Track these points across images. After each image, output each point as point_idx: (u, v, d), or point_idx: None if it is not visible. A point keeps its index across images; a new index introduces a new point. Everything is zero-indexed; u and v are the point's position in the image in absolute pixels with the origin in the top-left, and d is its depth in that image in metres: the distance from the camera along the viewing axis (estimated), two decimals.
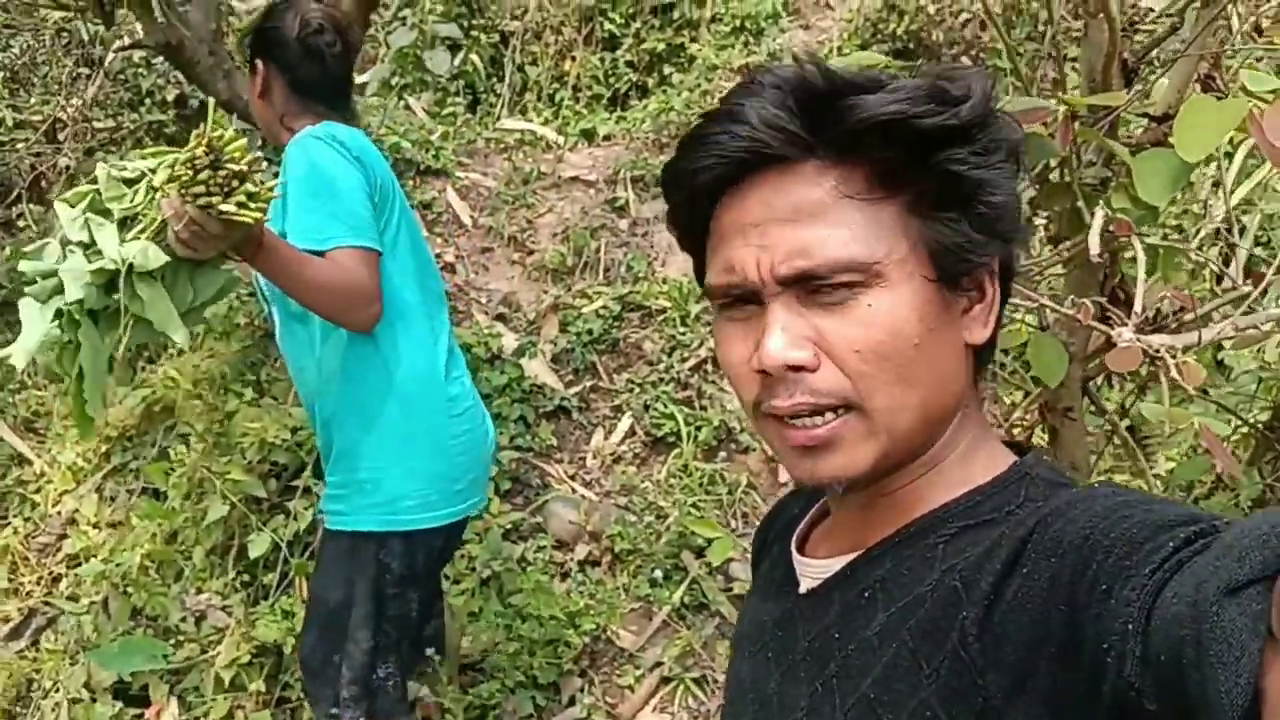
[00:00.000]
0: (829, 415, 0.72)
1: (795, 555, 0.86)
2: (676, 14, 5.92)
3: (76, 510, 2.97)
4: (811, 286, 0.71)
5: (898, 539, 0.76)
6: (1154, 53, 1.56)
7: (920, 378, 0.72)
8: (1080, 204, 1.50)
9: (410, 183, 4.14)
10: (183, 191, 1.45)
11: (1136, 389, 2.07)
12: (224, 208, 1.44)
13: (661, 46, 5.84)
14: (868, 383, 0.71)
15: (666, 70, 5.77)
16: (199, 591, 2.74)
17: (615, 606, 3.01)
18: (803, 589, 0.83)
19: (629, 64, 5.85)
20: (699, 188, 0.76)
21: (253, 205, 1.48)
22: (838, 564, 0.80)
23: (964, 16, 4.93)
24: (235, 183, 1.46)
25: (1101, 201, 1.50)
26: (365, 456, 1.97)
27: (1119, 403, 2.26)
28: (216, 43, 2.79)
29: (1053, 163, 1.56)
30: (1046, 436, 1.90)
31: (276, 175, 1.90)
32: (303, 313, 1.88)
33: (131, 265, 1.48)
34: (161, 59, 3.85)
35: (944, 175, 0.70)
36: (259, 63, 2.04)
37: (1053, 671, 0.60)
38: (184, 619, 2.67)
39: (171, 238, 1.49)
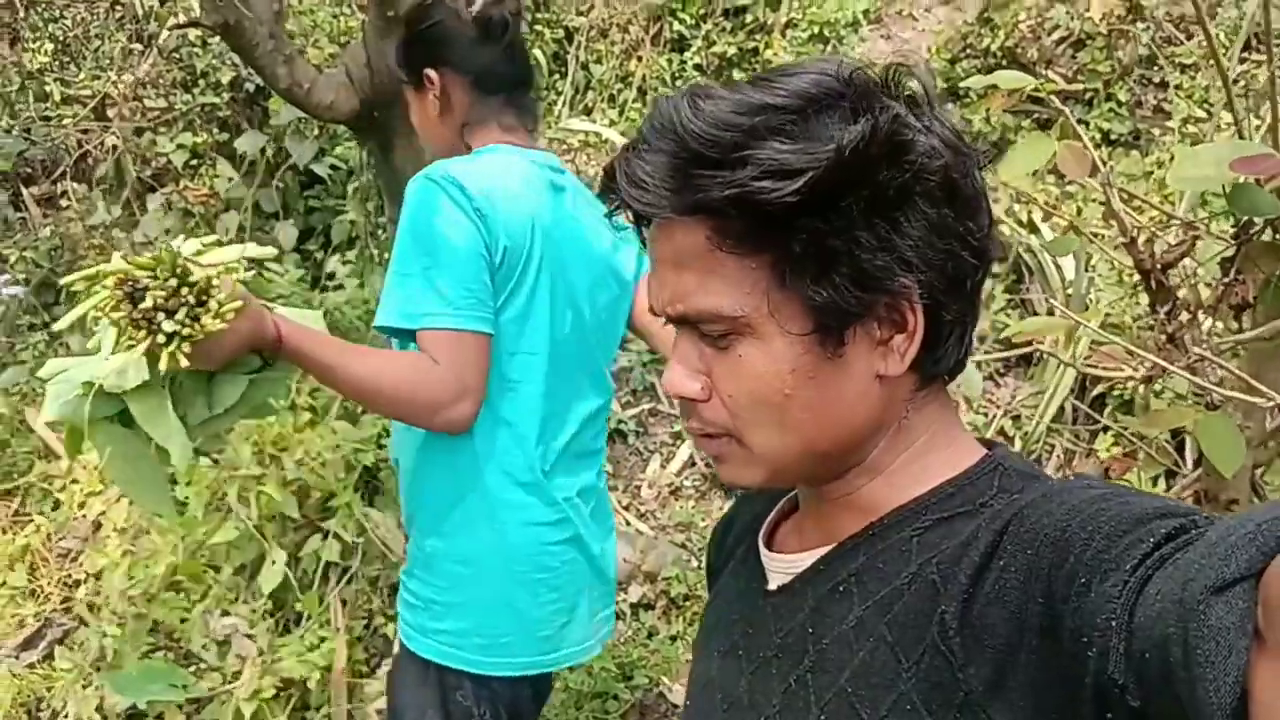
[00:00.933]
0: (718, 439, 0.76)
1: (763, 551, 0.86)
2: (750, 17, 5.69)
3: (103, 514, 2.79)
4: (698, 329, 0.74)
5: (871, 532, 0.76)
6: None
7: (797, 423, 0.73)
8: None
9: None
10: (132, 325, 1.25)
11: None
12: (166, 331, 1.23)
13: (732, 50, 5.61)
14: (741, 422, 0.74)
15: (736, 75, 5.53)
16: (224, 614, 2.54)
17: (670, 659, 2.78)
18: (772, 585, 0.83)
19: (697, 67, 5.63)
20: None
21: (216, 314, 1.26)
22: (808, 559, 0.80)
23: (1058, 34, 4.66)
24: (190, 299, 1.25)
25: None
26: (437, 573, 1.61)
27: None
28: (278, 25, 2.60)
29: (1258, 221, 1.32)
30: None
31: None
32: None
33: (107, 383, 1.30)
34: (218, 39, 3.68)
35: (807, 240, 0.69)
36: (431, 73, 1.64)
37: (1033, 664, 0.61)
38: (205, 645, 2.47)
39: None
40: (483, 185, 1.51)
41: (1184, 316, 1.40)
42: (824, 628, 0.75)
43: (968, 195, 0.72)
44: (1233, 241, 1.36)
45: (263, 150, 3.73)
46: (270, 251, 1.53)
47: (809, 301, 0.70)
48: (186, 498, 2.71)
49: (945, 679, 0.65)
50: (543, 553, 1.62)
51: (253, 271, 1.48)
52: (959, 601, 0.65)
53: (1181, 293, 1.57)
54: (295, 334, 1.39)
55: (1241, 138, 1.47)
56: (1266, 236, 1.32)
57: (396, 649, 1.71)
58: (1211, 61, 4.13)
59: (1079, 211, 3.62)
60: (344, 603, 2.64)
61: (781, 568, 0.83)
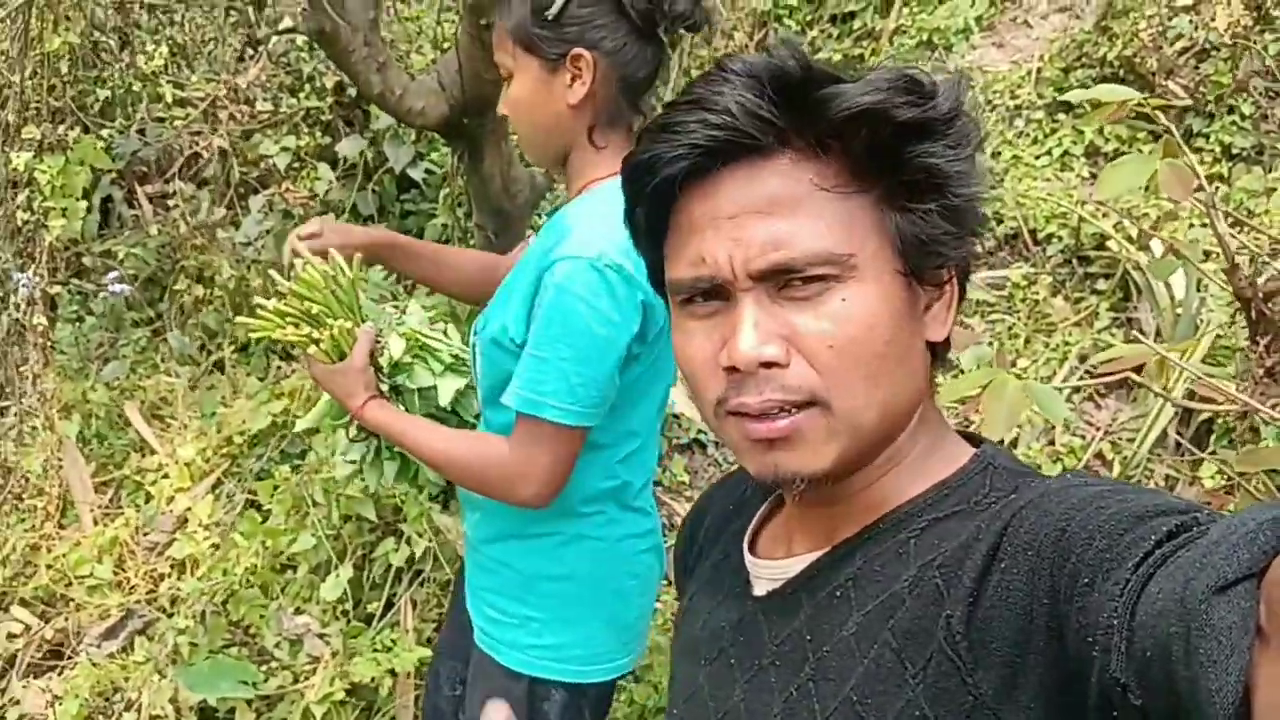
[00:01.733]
0: (794, 411, 0.71)
1: (748, 556, 0.84)
2: (858, 24, 5.58)
3: (189, 510, 2.86)
4: (783, 281, 0.71)
5: (866, 536, 0.75)
6: None
7: (887, 375, 0.72)
8: None
9: None
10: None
11: None
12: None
13: (838, 57, 5.50)
14: (834, 380, 0.71)
15: None
16: (298, 612, 2.58)
17: None
18: (760, 591, 0.81)
19: None
20: (667, 179, 0.73)
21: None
22: (799, 564, 0.78)
23: (1181, 44, 4.43)
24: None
25: None
26: (536, 593, 1.61)
27: None
28: (374, 33, 2.62)
29: None
30: None
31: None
32: (493, 398, 1.54)
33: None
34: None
35: (920, 167, 0.70)
36: (585, 54, 1.46)
37: (1040, 666, 0.60)
38: (279, 644, 2.50)
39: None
40: (635, 269, 1.41)
41: None
42: (823, 634, 0.73)
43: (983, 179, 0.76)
44: None
45: (362, 154, 3.79)
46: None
47: (917, 234, 0.71)
48: (270, 501, 2.77)
49: (953, 684, 0.64)
50: (635, 561, 1.65)
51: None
52: (964, 605, 0.64)
53: None
54: (375, 412, 1.56)
55: None
56: None
57: (476, 659, 1.70)
58: None
59: (1190, 228, 3.43)
60: (414, 604, 2.65)
61: (769, 573, 0.81)
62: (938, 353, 0.77)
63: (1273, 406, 1.38)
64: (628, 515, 1.63)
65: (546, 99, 1.50)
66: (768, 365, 0.71)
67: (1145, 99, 1.55)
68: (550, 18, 1.46)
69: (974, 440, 0.80)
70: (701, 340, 0.74)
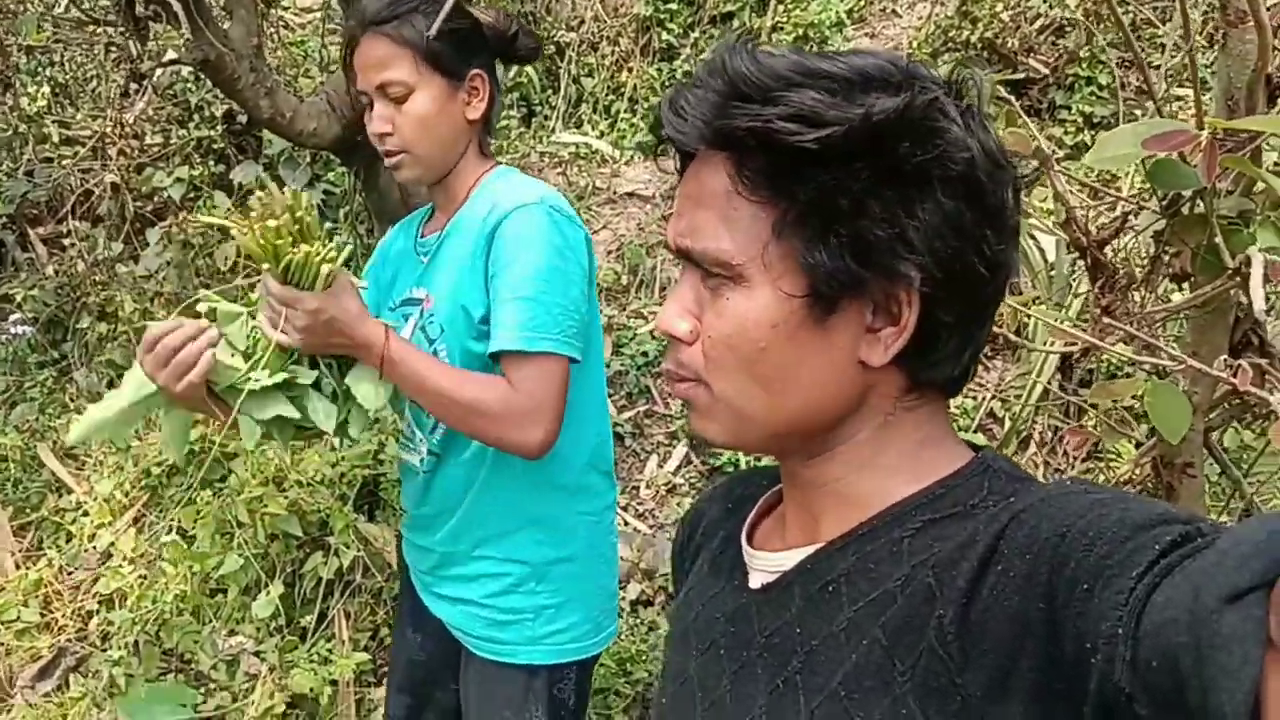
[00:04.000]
0: (688, 383, 0.77)
1: (745, 548, 0.85)
2: (736, 23, 5.75)
3: (113, 545, 2.86)
4: (701, 268, 0.75)
5: (861, 532, 0.75)
6: None
7: (765, 378, 0.74)
8: (1219, 240, 1.30)
9: None
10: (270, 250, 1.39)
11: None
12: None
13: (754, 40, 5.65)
14: (712, 367, 0.75)
15: None
16: (231, 634, 2.61)
17: None
18: (755, 583, 0.82)
19: (687, 74, 5.68)
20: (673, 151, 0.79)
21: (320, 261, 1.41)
22: (795, 556, 0.79)
23: (1039, 23, 4.69)
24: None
25: (1248, 238, 1.29)
26: (549, 579, 1.66)
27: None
28: (259, 59, 2.67)
29: (1185, 193, 1.36)
30: (1162, 494, 1.69)
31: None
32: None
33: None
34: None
35: (813, 193, 0.70)
36: (482, 74, 1.61)
37: (1034, 670, 0.60)
38: (215, 666, 2.53)
39: (284, 330, 1.41)
40: (575, 214, 1.58)
41: (1119, 289, 1.44)
42: (813, 628, 0.74)
43: (993, 204, 0.72)
44: (1162, 215, 1.40)
45: (257, 179, 3.81)
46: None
47: (806, 262, 0.71)
48: (194, 528, 2.79)
49: (942, 683, 0.64)
50: (612, 530, 1.75)
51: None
52: (957, 605, 0.65)
53: (1124, 269, 1.61)
54: (399, 344, 1.47)
55: (1161, 115, 1.51)
56: (1188, 209, 1.36)
57: (480, 673, 1.71)
58: (1127, 47, 4.15)
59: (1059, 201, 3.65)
60: (348, 616, 2.70)
61: (765, 565, 0.82)
62: (915, 371, 0.76)
63: (1112, 343, 1.53)
64: (605, 483, 1.72)
65: (449, 115, 1.58)
66: (676, 338, 0.76)
67: (989, 74, 1.68)
68: (455, 29, 1.55)
69: (976, 448, 0.80)
70: None
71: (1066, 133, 4.35)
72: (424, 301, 1.64)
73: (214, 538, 2.69)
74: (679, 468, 3.54)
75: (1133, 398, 1.76)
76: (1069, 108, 4.39)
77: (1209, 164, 1.18)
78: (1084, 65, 4.46)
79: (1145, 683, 0.53)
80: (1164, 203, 1.39)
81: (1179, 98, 4.17)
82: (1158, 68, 4.40)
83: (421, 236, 1.73)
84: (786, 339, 0.73)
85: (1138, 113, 4.31)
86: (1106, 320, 1.25)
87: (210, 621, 2.63)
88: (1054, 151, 1.48)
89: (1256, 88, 1.28)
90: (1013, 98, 1.55)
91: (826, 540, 0.77)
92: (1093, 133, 4.31)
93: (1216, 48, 1.36)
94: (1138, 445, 2.89)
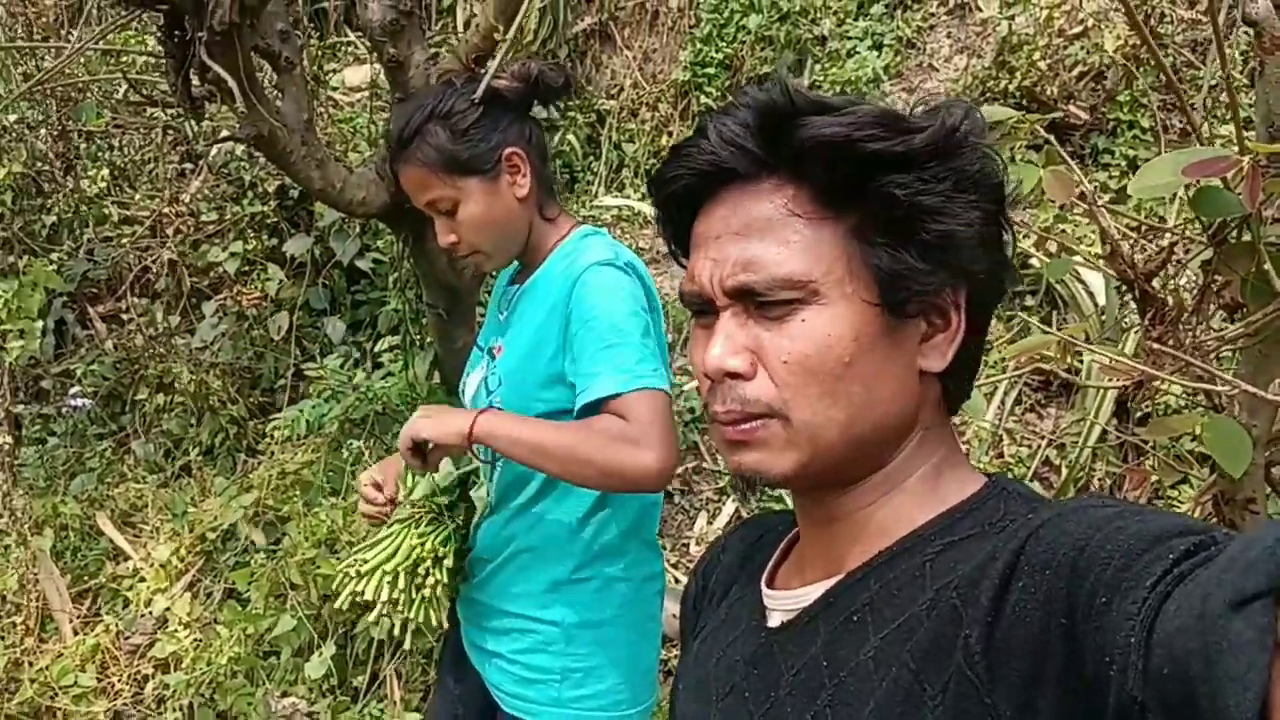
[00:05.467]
0: (757, 422, 0.74)
1: (765, 590, 0.85)
2: None
3: (168, 610, 2.89)
4: (757, 300, 0.74)
5: (880, 560, 0.75)
6: None
7: (849, 395, 0.73)
8: (1268, 267, 1.28)
9: None
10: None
11: None
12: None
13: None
14: (792, 394, 0.74)
15: None
16: (284, 695, 2.61)
17: None
18: (774, 623, 0.81)
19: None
20: (671, 196, 0.80)
21: None
22: (815, 591, 0.78)
23: (1078, 70, 4.69)
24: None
25: None
26: (578, 643, 1.64)
27: None
28: (309, 133, 2.75)
29: (1231, 221, 1.34)
30: None
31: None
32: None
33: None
34: (258, 151, 3.88)
35: (886, 199, 0.71)
36: (518, 152, 1.61)
37: (1059, 686, 0.60)
38: None
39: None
40: (647, 279, 1.60)
41: (1169, 321, 1.42)
42: (840, 660, 0.73)
43: (1004, 223, 0.77)
44: (1209, 244, 1.39)
45: (310, 251, 3.90)
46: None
47: (879, 269, 0.72)
48: (248, 590, 2.81)
49: (972, 705, 0.64)
50: (653, 603, 1.72)
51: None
52: (982, 625, 0.64)
53: (1172, 300, 1.58)
54: (490, 419, 1.49)
55: (1201, 143, 1.50)
56: (1234, 236, 1.34)
57: None
58: (1164, 79, 4.13)
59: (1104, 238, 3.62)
60: (399, 676, 2.69)
61: (784, 605, 0.81)
62: (951, 383, 0.78)
63: (1170, 373, 1.50)
64: (648, 553, 1.70)
65: (501, 206, 1.60)
66: (733, 375, 0.74)
67: (1024, 116, 1.68)
68: (469, 125, 1.58)
69: (987, 473, 0.81)
70: (699, 349, 0.79)
71: (1111, 177, 4.32)
72: (495, 352, 1.68)
73: (267, 600, 2.70)
74: (729, 523, 3.51)
75: (1192, 438, 1.72)
76: (1112, 152, 4.37)
77: (1253, 189, 1.17)
78: (1125, 109, 4.44)
79: (1158, 691, 0.52)
80: (1209, 232, 1.38)
81: (1220, 135, 4.14)
82: (1195, 108, 4.39)
83: (510, 284, 1.77)
84: (869, 349, 0.73)
85: (1229, 151, 4.27)
86: (1161, 348, 1.23)
87: (264, 683, 2.64)
88: (1098, 195, 1.46)
89: None
90: (1053, 138, 1.55)
91: (847, 572, 0.77)
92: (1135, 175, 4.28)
93: (1256, 78, 1.35)
94: (1181, 483, 2.83)
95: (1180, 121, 4.41)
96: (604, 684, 1.65)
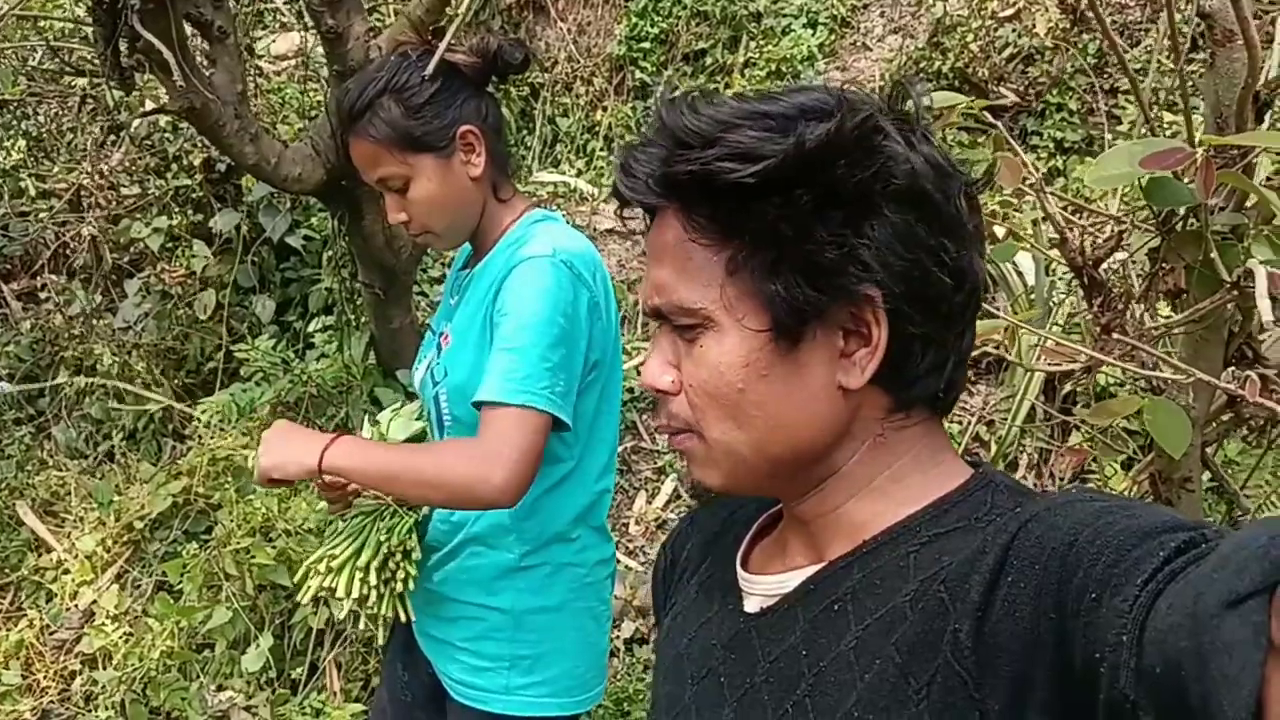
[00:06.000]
0: (681, 435, 0.77)
1: (740, 572, 0.84)
2: (709, 60, 5.80)
3: (95, 603, 2.80)
4: (671, 322, 0.76)
5: (864, 550, 0.74)
6: None
7: (750, 420, 0.74)
8: (1214, 256, 1.30)
9: None
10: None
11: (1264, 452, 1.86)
12: None
13: (695, 94, 5.71)
14: (701, 415, 0.76)
15: None
16: (220, 689, 2.55)
17: None
18: (751, 608, 0.81)
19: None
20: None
21: None
22: (795, 578, 0.78)
23: (1008, 52, 4.76)
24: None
25: (1243, 252, 1.30)
26: (527, 628, 1.63)
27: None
28: (243, 105, 2.66)
29: (1179, 210, 1.36)
30: None
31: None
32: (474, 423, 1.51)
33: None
34: (188, 123, 3.75)
35: (757, 228, 0.71)
36: (474, 129, 1.56)
37: (1049, 682, 0.60)
38: None
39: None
40: (588, 260, 1.54)
41: (1117, 308, 1.45)
42: (820, 650, 0.73)
43: (946, 214, 0.72)
44: (1158, 232, 1.41)
45: (237, 227, 3.79)
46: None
47: (764, 296, 0.72)
48: (180, 582, 2.73)
49: (960, 700, 0.64)
50: (604, 587, 1.71)
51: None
52: (971, 619, 0.64)
53: (1119, 287, 1.61)
54: (333, 456, 1.47)
55: (1153, 134, 1.52)
56: (1188, 225, 1.37)
57: (459, 717, 1.68)
58: (1157, 64, 4.23)
59: (1034, 222, 3.69)
60: (339, 666, 2.65)
61: (762, 589, 0.81)
62: (896, 392, 0.76)
63: (1118, 358, 1.52)
64: (597, 538, 1.69)
65: (454, 185, 1.55)
66: (661, 392, 0.77)
67: (972, 102, 1.69)
68: (424, 101, 1.52)
69: (976, 464, 0.80)
70: None
71: (1039, 158, 4.40)
72: (442, 340, 1.65)
73: (201, 591, 2.63)
74: (668, 503, 3.51)
75: (1125, 417, 1.76)
76: (1040, 134, 4.45)
77: (1206, 180, 1.19)
78: (1054, 92, 4.52)
79: (1149, 689, 0.52)
80: (1159, 220, 1.40)
81: (1155, 118, 4.24)
82: (1126, 92, 4.48)
83: (462, 268, 1.73)
84: (761, 376, 0.73)
85: (1108, 136, 4.38)
86: (1117, 337, 1.24)
87: (198, 677, 2.58)
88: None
89: (1245, 105, 1.29)
90: (999, 124, 1.56)
91: (829, 560, 0.76)
92: (1064, 158, 4.37)
93: (1204, 68, 1.37)
94: (1124, 464, 2.91)
95: (1106, 104, 4.51)
96: (553, 670, 1.64)
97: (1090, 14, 4.55)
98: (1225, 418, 1.66)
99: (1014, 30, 4.67)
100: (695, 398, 0.76)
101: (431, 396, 1.62)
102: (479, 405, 1.46)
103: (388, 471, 1.48)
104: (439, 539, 1.67)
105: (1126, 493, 1.75)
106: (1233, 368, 1.25)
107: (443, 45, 1.62)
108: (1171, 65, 4.24)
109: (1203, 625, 0.49)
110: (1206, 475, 1.76)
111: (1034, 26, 4.61)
